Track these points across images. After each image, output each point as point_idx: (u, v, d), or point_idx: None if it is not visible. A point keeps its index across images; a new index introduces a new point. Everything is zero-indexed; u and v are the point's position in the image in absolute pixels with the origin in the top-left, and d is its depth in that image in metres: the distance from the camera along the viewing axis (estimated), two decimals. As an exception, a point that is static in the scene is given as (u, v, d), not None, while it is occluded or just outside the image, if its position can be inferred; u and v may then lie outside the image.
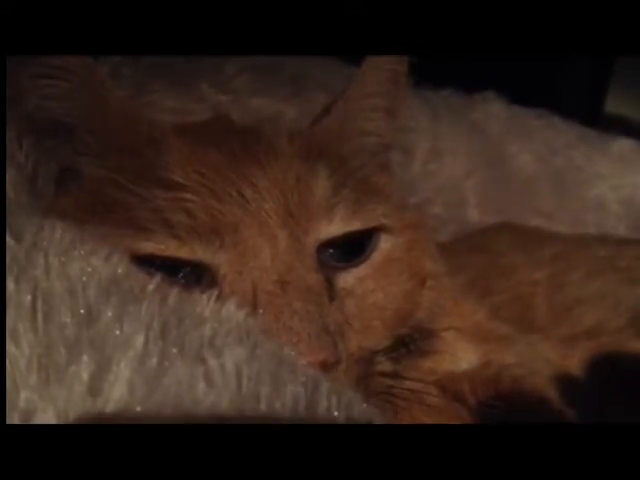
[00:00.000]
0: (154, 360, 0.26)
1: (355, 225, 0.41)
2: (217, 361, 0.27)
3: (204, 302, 0.32)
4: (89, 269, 0.31)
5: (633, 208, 0.96)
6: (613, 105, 1.37)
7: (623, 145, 1.01)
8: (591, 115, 1.34)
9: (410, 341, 0.45)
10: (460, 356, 0.48)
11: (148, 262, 0.38)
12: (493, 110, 0.98)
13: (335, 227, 0.40)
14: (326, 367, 0.35)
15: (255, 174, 0.40)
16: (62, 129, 0.43)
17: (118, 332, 0.26)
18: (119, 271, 0.32)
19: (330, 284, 0.39)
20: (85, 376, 0.25)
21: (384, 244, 0.42)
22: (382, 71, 0.48)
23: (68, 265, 0.30)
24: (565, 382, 0.53)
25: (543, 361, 0.54)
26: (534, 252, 0.71)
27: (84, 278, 0.30)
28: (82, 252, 0.32)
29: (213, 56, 0.76)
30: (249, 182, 0.39)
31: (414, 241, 0.44)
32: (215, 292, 0.34)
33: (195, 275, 0.38)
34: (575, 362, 0.58)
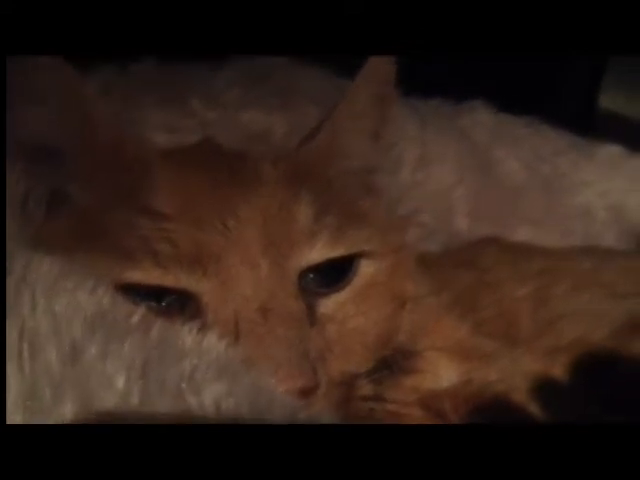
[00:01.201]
0: (135, 399, 0.27)
1: (337, 252, 0.42)
2: (196, 398, 0.28)
3: (186, 333, 0.33)
4: (74, 304, 0.32)
5: (620, 215, 0.97)
6: (607, 101, 1.38)
7: (610, 151, 1.02)
8: (585, 111, 1.35)
9: (392, 362, 0.46)
10: (441, 374, 0.49)
11: (134, 290, 0.39)
12: (481, 118, 0.99)
13: (317, 254, 0.41)
14: (305, 393, 0.36)
15: (238, 202, 0.41)
16: (51, 154, 0.44)
17: (101, 371, 0.27)
18: (104, 303, 0.33)
19: (311, 310, 0.41)
20: (69, 417, 0.26)
21: (365, 269, 0.43)
22: (369, 94, 0.49)
23: (54, 301, 0.31)
24: (546, 394, 0.54)
25: (523, 376, 0.55)
26: (520, 267, 0.71)
27: (69, 314, 0.31)
28: (68, 286, 0.33)
29: (209, 62, 0.77)
30: (232, 211, 0.40)
31: (395, 265, 0.45)
32: (197, 324, 0.36)
33: (180, 302, 0.39)
34: (557, 373, 0.59)
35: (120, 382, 0.27)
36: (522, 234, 0.90)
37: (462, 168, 0.93)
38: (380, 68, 0.49)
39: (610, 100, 1.35)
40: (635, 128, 1.33)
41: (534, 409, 0.51)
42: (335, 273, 0.43)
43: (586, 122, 1.35)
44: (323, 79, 0.85)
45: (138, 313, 0.34)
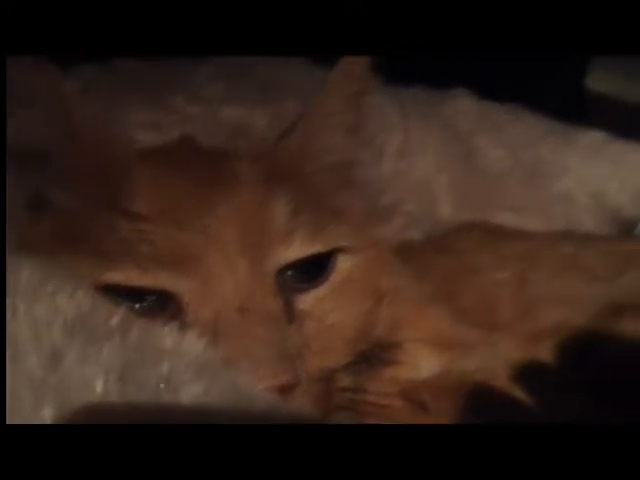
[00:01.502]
0: (113, 402, 0.28)
1: (314, 248, 0.43)
2: (173, 398, 0.29)
3: (165, 334, 0.34)
4: (54, 308, 0.33)
5: (601, 201, 0.98)
6: (594, 83, 1.38)
7: (592, 137, 1.02)
8: (573, 93, 1.35)
9: (371, 355, 0.47)
10: (422, 365, 0.50)
11: (115, 290, 0.39)
12: (463, 106, 0.99)
13: (294, 252, 0.42)
14: (285, 390, 0.37)
15: (216, 202, 0.42)
16: (33, 156, 0.45)
17: (80, 375, 0.28)
18: (83, 307, 0.34)
19: (290, 306, 0.41)
20: (48, 421, 0.27)
21: (343, 264, 0.44)
22: (343, 91, 0.50)
23: (34, 306, 0.32)
24: (529, 379, 0.55)
25: (504, 363, 0.56)
26: (501, 252, 0.72)
27: (49, 318, 0.32)
28: (48, 290, 0.34)
29: (190, 57, 0.77)
30: (210, 211, 0.41)
31: (372, 260, 0.46)
32: (176, 324, 0.36)
33: (160, 302, 0.40)
34: (538, 358, 0.60)
35: (99, 386, 0.28)
36: (504, 220, 0.91)
37: (444, 156, 0.94)
38: (354, 64, 0.50)
39: (598, 82, 1.35)
40: (623, 109, 1.34)
41: (519, 394, 0.52)
42: (313, 269, 0.44)
43: (574, 104, 1.35)
44: (304, 71, 0.85)
45: (118, 315, 0.35)
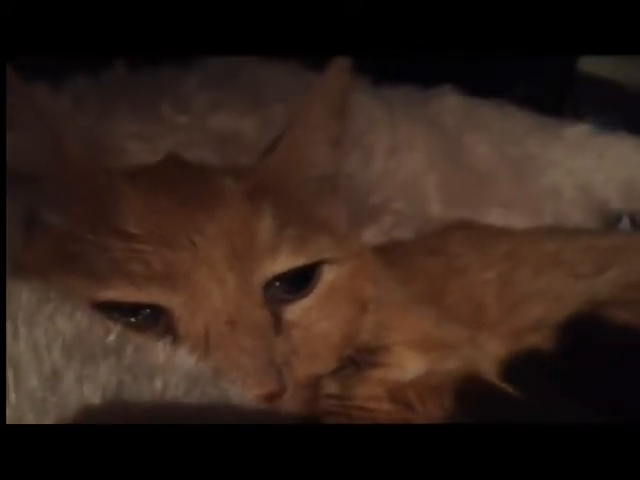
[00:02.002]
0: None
1: (300, 261, 0.45)
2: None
3: (159, 350, 0.37)
4: (53, 330, 0.35)
5: (588, 193, 1.00)
6: (586, 65, 1.38)
7: (578, 131, 1.04)
8: (564, 75, 1.35)
9: (358, 359, 0.49)
10: (408, 366, 0.52)
11: (110, 307, 0.42)
12: (449, 103, 1.01)
13: (280, 265, 0.44)
14: (272, 398, 0.40)
15: (203, 219, 0.43)
16: (24, 178, 0.46)
17: (78, 394, 0.30)
18: (81, 326, 0.36)
19: (277, 317, 0.43)
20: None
21: (328, 275, 0.46)
22: (326, 104, 0.51)
23: (34, 329, 0.34)
24: (512, 376, 0.57)
25: (490, 361, 0.58)
26: (487, 250, 0.73)
27: (49, 340, 0.34)
28: (47, 312, 0.36)
29: (178, 64, 0.79)
30: (198, 228, 0.43)
31: (356, 269, 0.48)
32: (170, 337, 0.39)
33: (153, 316, 0.42)
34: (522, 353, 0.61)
35: (96, 404, 0.30)
36: (494, 216, 0.93)
37: (432, 154, 0.95)
38: (336, 78, 0.51)
39: (590, 64, 1.36)
40: (616, 91, 1.34)
41: (508, 389, 0.54)
42: (300, 280, 0.45)
43: (566, 86, 1.36)
44: (293, 75, 0.87)
45: (114, 332, 0.37)
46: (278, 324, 0.43)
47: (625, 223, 0.94)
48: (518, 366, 0.58)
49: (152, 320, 0.42)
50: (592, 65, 1.36)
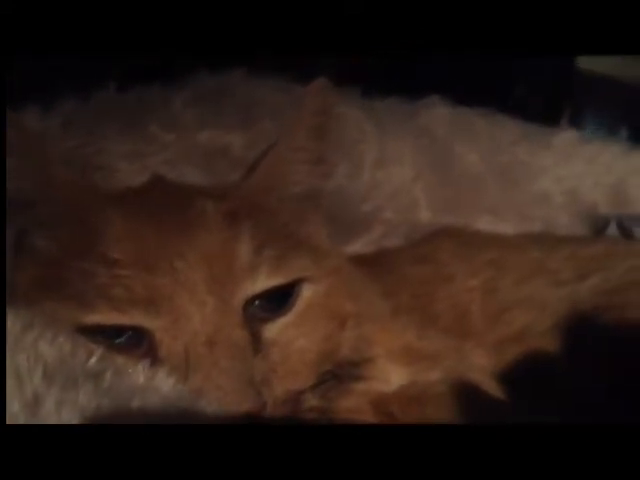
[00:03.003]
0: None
1: (278, 280, 0.46)
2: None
3: (139, 372, 0.38)
4: (35, 356, 0.36)
5: (576, 199, 1.01)
6: (585, 62, 1.39)
7: (566, 137, 1.05)
8: (564, 72, 1.36)
9: (341, 372, 0.50)
10: (391, 378, 0.53)
11: (94, 330, 0.43)
12: (437, 113, 1.02)
13: (259, 285, 0.45)
14: (251, 415, 0.41)
15: (184, 243, 0.45)
16: (12, 202, 0.47)
17: (56, 420, 0.32)
18: (64, 351, 0.38)
19: (256, 336, 0.45)
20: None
21: (306, 293, 0.47)
22: (308, 126, 0.52)
23: (17, 354, 0.36)
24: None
25: (476, 371, 0.59)
26: (472, 258, 0.74)
27: (31, 366, 0.35)
28: (30, 339, 0.37)
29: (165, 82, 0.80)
30: (178, 252, 0.44)
31: (335, 286, 0.49)
32: (151, 359, 0.40)
33: (136, 338, 0.44)
34: (506, 366, 0.63)
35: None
36: (483, 223, 0.94)
37: (421, 164, 0.97)
38: (315, 98, 0.53)
39: (590, 61, 1.37)
40: (615, 87, 1.34)
41: (498, 394, 0.55)
42: (279, 298, 0.47)
43: (565, 83, 1.37)
44: (281, 90, 0.88)
45: (96, 355, 0.38)
46: (257, 343, 0.45)
47: (613, 228, 0.95)
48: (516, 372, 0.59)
49: (135, 341, 0.43)
50: (591, 62, 1.37)
